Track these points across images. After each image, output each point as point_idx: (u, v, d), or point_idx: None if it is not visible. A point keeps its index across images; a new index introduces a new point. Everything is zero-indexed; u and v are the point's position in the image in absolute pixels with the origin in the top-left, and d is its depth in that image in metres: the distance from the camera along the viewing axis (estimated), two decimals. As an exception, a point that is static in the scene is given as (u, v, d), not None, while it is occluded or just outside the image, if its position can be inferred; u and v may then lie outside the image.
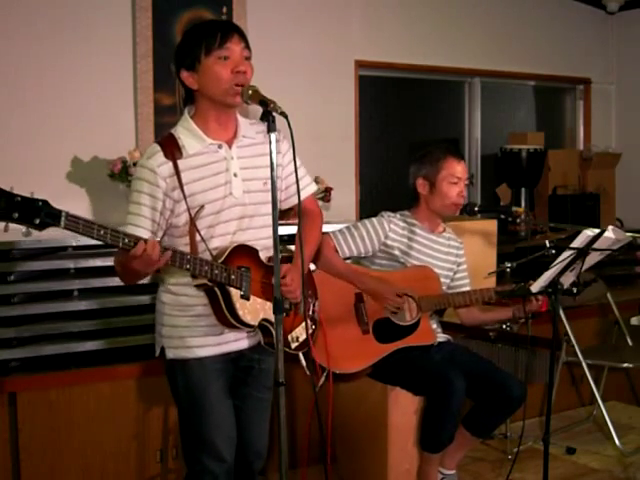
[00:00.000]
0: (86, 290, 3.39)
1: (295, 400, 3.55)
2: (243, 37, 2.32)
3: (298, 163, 2.36)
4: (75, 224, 1.89)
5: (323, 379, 2.98)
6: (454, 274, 3.39)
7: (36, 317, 3.28)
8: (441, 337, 3.35)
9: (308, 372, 2.56)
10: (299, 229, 2.25)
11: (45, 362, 3.28)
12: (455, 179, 3.26)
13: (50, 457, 3.20)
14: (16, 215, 1.79)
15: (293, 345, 2.49)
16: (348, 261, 3.27)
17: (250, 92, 2.22)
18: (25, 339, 3.25)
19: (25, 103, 3.72)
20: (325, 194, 4.23)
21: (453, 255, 3.38)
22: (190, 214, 2.29)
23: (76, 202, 3.79)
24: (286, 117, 2.11)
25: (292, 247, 2.60)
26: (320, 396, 2.61)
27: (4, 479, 3.14)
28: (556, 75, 5.76)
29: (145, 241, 2.06)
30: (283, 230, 2.22)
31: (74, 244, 3.36)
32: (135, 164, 3.60)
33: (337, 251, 3.20)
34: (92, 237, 1.95)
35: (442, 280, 3.29)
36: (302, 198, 2.38)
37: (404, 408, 3.23)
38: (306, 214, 2.50)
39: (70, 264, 3.37)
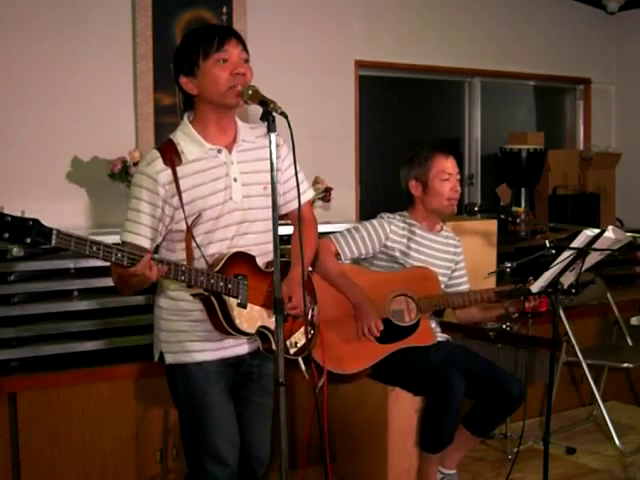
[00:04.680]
0: (86, 290, 3.39)
1: (295, 400, 3.55)
2: (241, 40, 2.32)
3: (298, 167, 2.36)
4: (66, 241, 1.90)
5: (322, 381, 2.98)
6: (452, 272, 3.39)
7: (36, 317, 3.29)
8: (440, 337, 3.35)
9: (307, 376, 2.56)
10: (299, 235, 2.23)
11: (45, 362, 3.28)
12: (446, 175, 3.26)
13: (50, 457, 3.20)
14: (7, 235, 1.80)
15: (292, 350, 2.49)
16: (347, 261, 3.27)
17: (250, 92, 2.22)
18: (25, 339, 3.25)
19: (25, 103, 3.72)
20: (325, 194, 4.22)
21: (451, 254, 3.38)
22: (187, 222, 2.28)
23: (76, 202, 3.80)
24: (286, 117, 2.11)
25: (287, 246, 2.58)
26: (320, 397, 2.61)
27: (4, 479, 3.15)
28: (556, 75, 5.75)
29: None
30: (282, 230, 2.20)
31: (74, 244, 3.35)
32: (135, 164, 3.60)
33: (338, 254, 3.19)
34: (84, 253, 1.94)
35: (440, 279, 3.29)
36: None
37: (404, 408, 3.23)
38: (301, 222, 2.48)
39: (70, 264, 3.37)
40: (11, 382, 3.17)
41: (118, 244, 2.13)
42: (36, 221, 1.85)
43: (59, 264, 3.36)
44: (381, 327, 3.10)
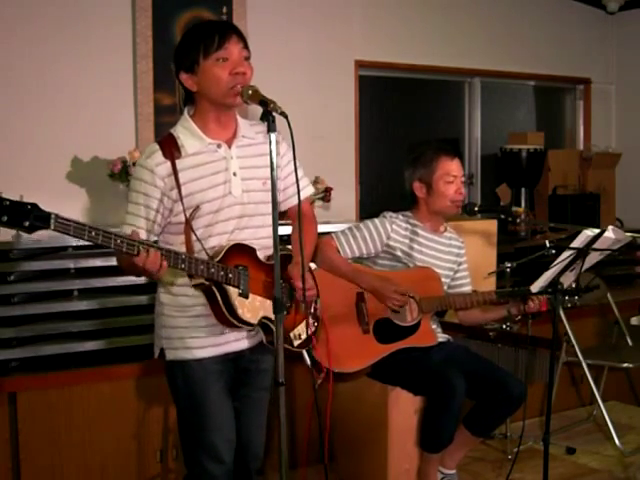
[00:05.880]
0: (86, 290, 3.40)
1: (295, 399, 3.55)
2: (241, 37, 2.32)
3: (297, 164, 2.36)
4: (65, 226, 1.89)
5: (321, 378, 2.98)
6: (455, 273, 3.39)
7: (36, 317, 3.29)
8: (441, 337, 3.35)
9: (311, 367, 2.56)
10: (300, 229, 2.24)
11: (45, 362, 3.28)
12: (451, 177, 3.25)
13: (50, 457, 3.20)
14: (5, 219, 1.79)
15: (296, 343, 2.49)
16: (348, 260, 3.27)
17: (250, 92, 2.22)
18: (25, 339, 3.25)
19: (25, 103, 3.72)
20: (325, 194, 4.22)
21: (454, 255, 3.38)
22: (185, 214, 2.29)
23: (76, 202, 3.80)
24: (286, 117, 2.11)
25: (289, 246, 2.59)
26: (320, 395, 2.61)
27: (4, 479, 3.15)
28: (556, 75, 5.76)
29: (147, 250, 2.06)
30: (282, 230, 2.21)
31: (74, 244, 3.36)
32: (135, 164, 3.60)
33: (339, 252, 3.19)
34: (83, 239, 1.94)
35: (442, 280, 3.29)
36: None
37: (404, 408, 3.23)
38: (301, 217, 2.49)
39: (70, 264, 3.38)
40: (11, 382, 3.17)
41: None
42: (34, 205, 1.84)
43: (59, 264, 3.36)
44: (402, 299, 3.11)
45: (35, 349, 3.25)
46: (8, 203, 1.80)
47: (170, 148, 2.31)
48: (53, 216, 1.86)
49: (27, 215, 1.82)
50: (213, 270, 2.23)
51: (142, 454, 3.37)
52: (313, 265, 3.08)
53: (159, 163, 2.28)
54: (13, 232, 3.18)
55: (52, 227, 1.86)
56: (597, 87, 5.99)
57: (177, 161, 2.30)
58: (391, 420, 3.22)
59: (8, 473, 3.16)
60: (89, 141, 3.85)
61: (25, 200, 1.85)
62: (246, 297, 2.32)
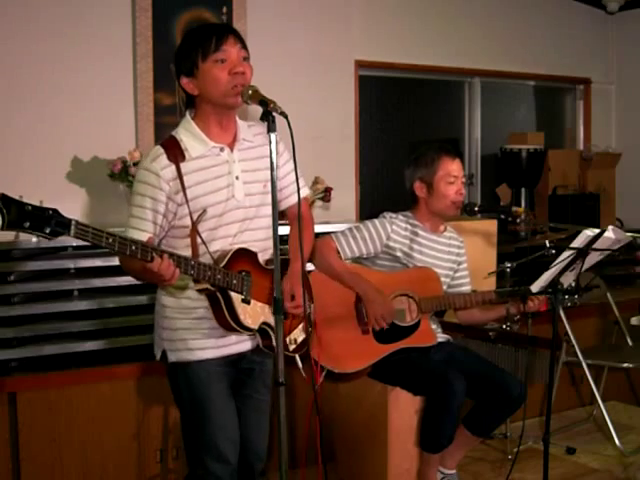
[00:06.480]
0: (86, 290, 3.40)
1: (295, 400, 3.55)
2: (239, 38, 2.32)
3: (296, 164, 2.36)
4: (84, 232, 1.89)
5: (322, 378, 2.98)
6: (454, 273, 3.39)
7: (36, 317, 3.29)
8: (441, 337, 3.35)
9: (304, 374, 2.57)
10: (299, 230, 2.24)
11: (45, 362, 3.28)
12: (452, 178, 3.25)
13: (50, 457, 3.20)
14: (27, 224, 1.79)
15: (291, 347, 2.50)
16: (347, 261, 3.27)
17: (250, 92, 2.22)
18: (25, 339, 3.25)
19: (25, 103, 3.72)
20: (325, 194, 4.22)
21: (454, 254, 3.38)
22: (192, 218, 2.29)
23: (76, 202, 3.80)
24: (286, 117, 2.11)
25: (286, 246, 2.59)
26: (320, 395, 2.61)
27: (4, 479, 3.15)
28: (556, 75, 5.76)
29: (160, 255, 2.07)
30: (281, 230, 2.21)
31: (74, 244, 3.36)
32: (135, 164, 3.60)
33: (339, 252, 3.19)
34: (101, 245, 1.95)
35: (442, 279, 3.29)
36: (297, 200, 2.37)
37: (404, 408, 3.23)
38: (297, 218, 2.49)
39: (70, 264, 3.38)
40: (11, 382, 3.17)
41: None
42: (55, 211, 1.84)
43: (59, 264, 3.36)
44: (389, 320, 3.10)
45: (35, 349, 3.25)
46: (30, 208, 1.79)
47: (174, 151, 2.30)
48: (74, 222, 1.86)
49: (48, 221, 1.82)
50: (219, 276, 2.23)
51: (142, 454, 3.37)
52: (311, 266, 3.09)
53: (164, 166, 2.28)
54: (33, 238, 3.19)
55: (72, 233, 1.86)
56: (597, 87, 5.99)
57: (182, 164, 2.29)
58: (391, 420, 3.22)
59: (8, 473, 3.16)
60: (89, 141, 3.85)
61: (35, 204, 1.84)
62: (248, 303, 2.32)
